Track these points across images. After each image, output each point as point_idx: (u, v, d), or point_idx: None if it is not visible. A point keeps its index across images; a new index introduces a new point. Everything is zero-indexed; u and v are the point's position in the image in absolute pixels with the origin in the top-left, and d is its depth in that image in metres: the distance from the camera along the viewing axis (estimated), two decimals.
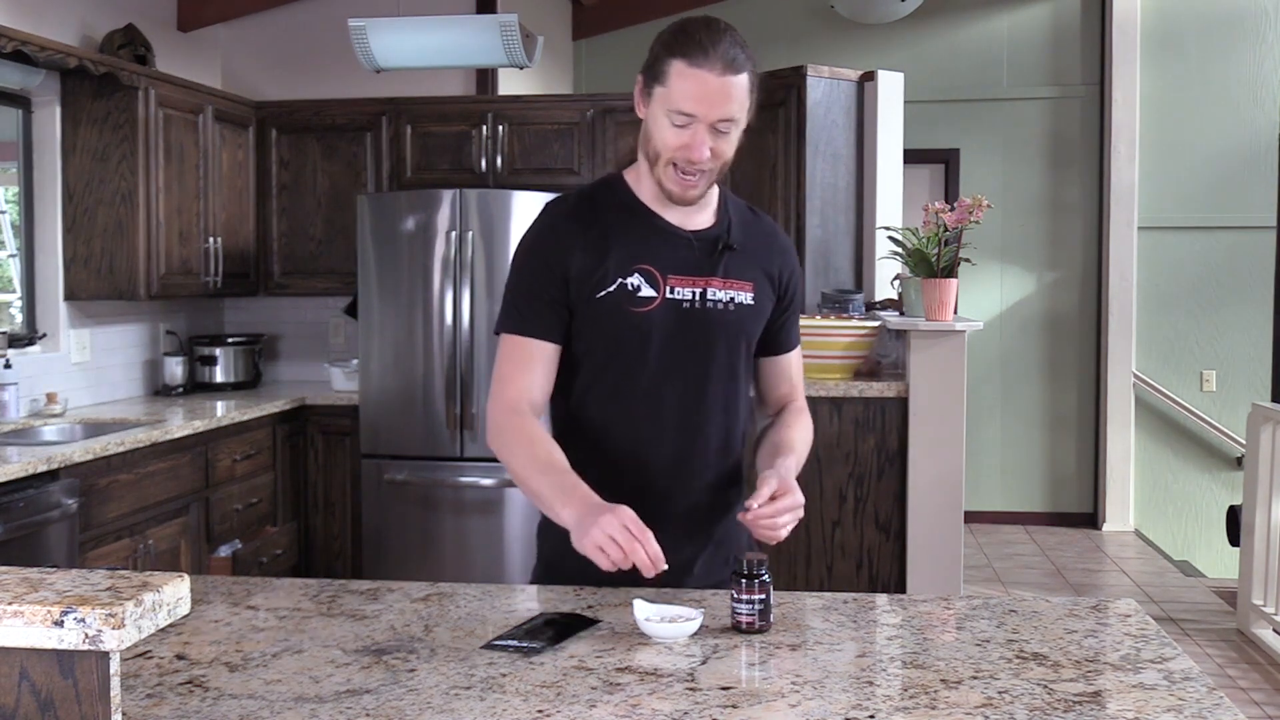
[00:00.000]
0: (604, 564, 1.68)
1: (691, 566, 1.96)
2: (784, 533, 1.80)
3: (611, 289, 1.91)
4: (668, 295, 1.92)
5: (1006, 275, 7.30)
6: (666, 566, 1.68)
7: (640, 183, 1.96)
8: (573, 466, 1.87)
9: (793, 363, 2.10)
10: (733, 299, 1.95)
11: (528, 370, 1.93)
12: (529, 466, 1.86)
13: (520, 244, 1.99)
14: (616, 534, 1.67)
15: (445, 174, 5.42)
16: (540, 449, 1.87)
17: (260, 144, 5.51)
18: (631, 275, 1.91)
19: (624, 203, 1.97)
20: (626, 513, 1.70)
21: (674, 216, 1.96)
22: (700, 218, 1.97)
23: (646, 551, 1.66)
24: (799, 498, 1.81)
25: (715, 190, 2.01)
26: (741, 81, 1.82)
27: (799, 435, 2.03)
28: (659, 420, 1.94)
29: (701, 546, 1.98)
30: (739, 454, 2.03)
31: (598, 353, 1.94)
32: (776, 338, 2.06)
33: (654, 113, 1.86)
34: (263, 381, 5.69)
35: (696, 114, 1.81)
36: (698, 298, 1.93)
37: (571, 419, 1.99)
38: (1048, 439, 7.34)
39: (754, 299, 1.97)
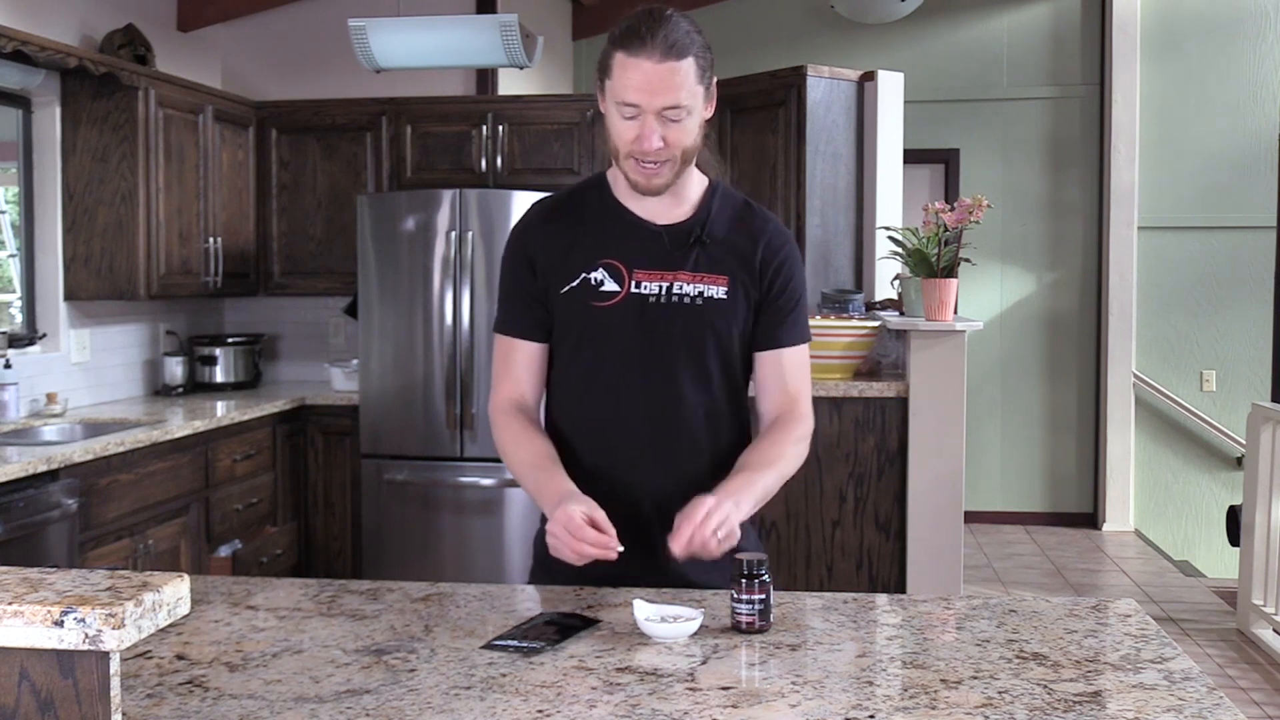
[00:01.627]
0: (568, 557, 1.74)
1: (670, 562, 1.91)
2: (715, 545, 1.72)
3: (575, 284, 1.92)
4: (632, 290, 1.91)
5: (1006, 275, 7.30)
6: (621, 548, 1.72)
7: (618, 183, 1.97)
8: (561, 458, 1.94)
9: (785, 362, 1.97)
10: (702, 293, 1.91)
11: (513, 369, 1.99)
12: (518, 468, 1.94)
13: (505, 247, 2.03)
14: (559, 536, 1.74)
15: (445, 174, 5.42)
16: (525, 450, 1.92)
17: (260, 144, 5.51)
18: (596, 270, 1.92)
19: (600, 199, 1.98)
20: (563, 513, 1.74)
21: (646, 211, 1.95)
22: (675, 211, 1.95)
23: (590, 542, 1.71)
24: (695, 515, 1.72)
25: (699, 183, 1.98)
26: (684, 66, 1.80)
27: (765, 454, 1.90)
28: (626, 415, 1.93)
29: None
30: (721, 451, 1.95)
31: (566, 347, 1.96)
32: (765, 332, 1.96)
33: (607, 108, 1.88)
34: (263, 381, 5.69)
35: (640, 103, 1.81)
36: (664, 292, 1.91)
37: (553, 412, 2.02)
38: (1048, 439, 7.34)
39: (727, 293, 1.92)
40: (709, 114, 1.91)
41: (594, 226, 1.96)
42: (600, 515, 1.75)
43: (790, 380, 1.98)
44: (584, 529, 1.72)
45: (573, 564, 1.74)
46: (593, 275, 1.92)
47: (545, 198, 2.05)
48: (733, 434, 1.99)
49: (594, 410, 1.95)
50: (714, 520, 1.72)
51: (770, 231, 1.99)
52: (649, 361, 1.92)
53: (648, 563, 1.88)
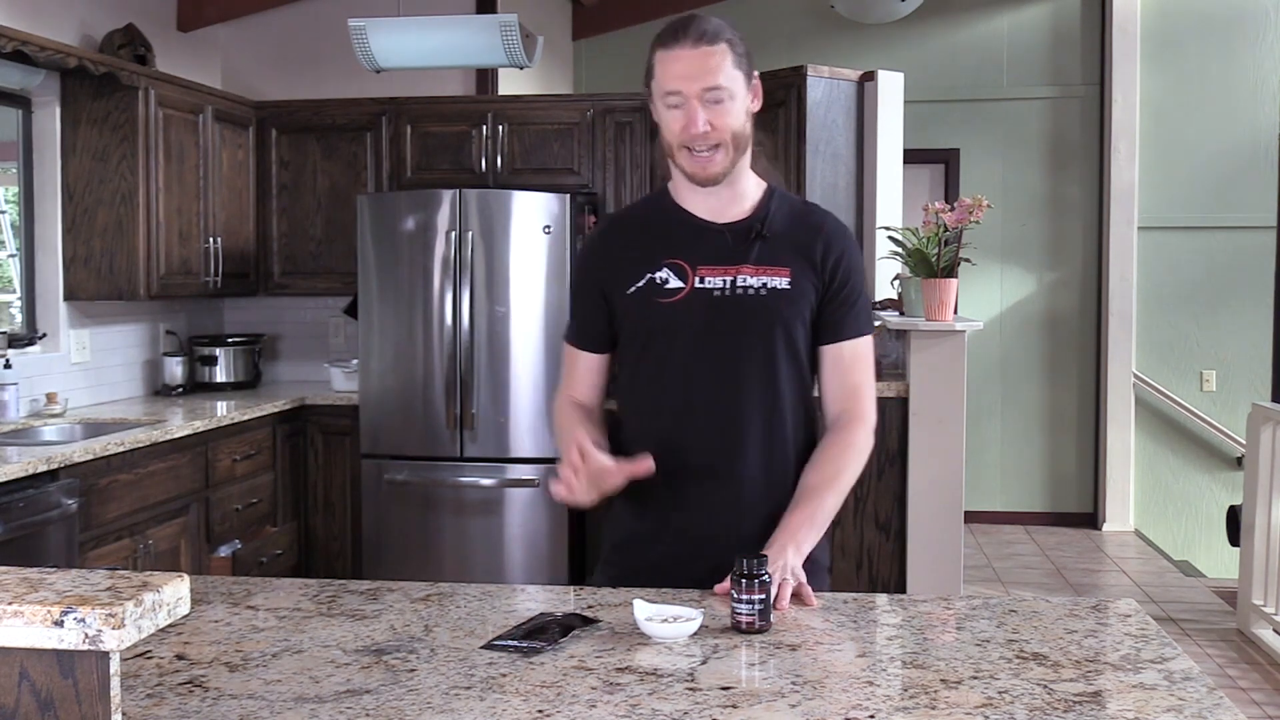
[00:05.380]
0: (561, 495, 1.86)
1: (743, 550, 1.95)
2: (784, 603, 1.76)
3: (641, 284, 1.98)
4: (697, 285, 1.95)
5: (1006, 275, 7.30)
6: (572, 476, 1.83)
7: (677, 186, 2.03)
8: (626, 453, 2.01)
9: (845, 354, 2.00)
10: (765, 284, 1.95)
11: (574, 375, 2.09)
12: (558, 434, 2.05)
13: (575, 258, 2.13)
14: (563, 460, 1.86)
15: (445, 174, 5.42)
16: (568, 419, 2.03)
17: (260, 144, 5.51)
18: (660, 270, 1.97)
19: (662, 207, 2.04)
20: (570, 452, 1.85)
21: (707, 211, 2.00)
22: (735, 209, 2.00)
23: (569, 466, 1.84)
24: (775, 579, 1.77)
25: (757, 186, 2.03)
26: (719, 50, 1.87)
27: (829, 472, 1.95)
28: (693, 410, 1.98)
29: (748, 534, 1.93)
30: (788, 443, 1.99)
31: (634, 346, 2.02)
32: (826, 326, 2.00)
33: (656, 109, 1.94)
34: (263, 381, 5.69)
35: (681, 89, 1.88)
36: (729, 286, 1.95)
37: (624, 410, 2.08)
38: (1048, 439, 7.34)
39: (790, 283, 1.96)
40: (755, 106, 1.96)
41: (658, 232, 2.02)
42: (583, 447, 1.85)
43: (851, 374, 2.02)
44: (569, 459, 1.84)
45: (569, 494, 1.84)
46: (657, 275, 1.97)
47: (611, 213, 2.13)
48: (797, 431, 2.01)
49: (660, 406, 2.00)
50: (784, 590, 1.78)
51: (829, 227, 2.03)
52: (714, 356, 1.96)
53: (709, 557, 1.89)
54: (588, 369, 2.08)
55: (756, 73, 1.96)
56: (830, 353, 2.01)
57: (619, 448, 2.05)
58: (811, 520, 1.91)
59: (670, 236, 1.99)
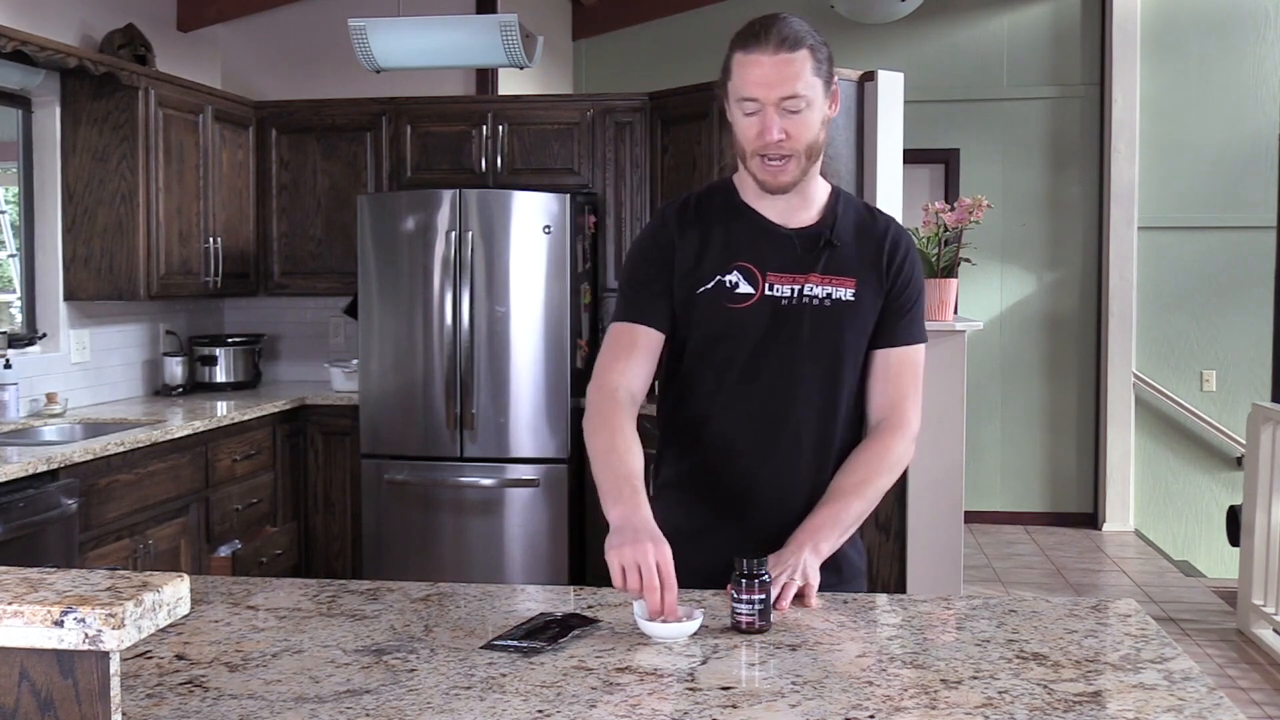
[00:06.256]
0: (617, 581, 1.67)
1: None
2: (785, 603, 1.75)
3: (710, 286, 1.96)
4: (766, 292, 1.94)
5: (1006, 275, 7.30)
6: (677, 619, 1.67)
7: (745, 184, 2.00)
8: (674, 455, 2.01)
9: (893, 360, 2.01)
10: (830, 295, 1.94)
11: (627, 356, 1.97)
12: (601, 454, 1.89)
13: (633, 243, 2.07)
14: (645, 567, 1.66)
15: (445, 174, 5.42)
16: (618, 439, 1.89)
17: (260, 144, 5.51)
18: (730, 273, 1.95)
19: (730, 203, 2.01)
20: (666, 552, 1.68)
21: (776, 215, 1.98)
22: (803, 215, 1.98)
23: (663, 599, 1.64)
24: (781, 579, 1.77)
25: (824, 189, 2.01)
26: (799, 57, 1.84)
27: (860, 477, 1.94)
28: (751, 415, 1.97)
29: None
30: (836, 458, 1.99)
31: (698, 347, 1.99)
32: (881, 330, 2.00)
33: (731, 110, 1.92)
34: (263, 381, 5.69)
35: (759, 97, 1.85)
36: (795, 294, 1.94)
37: (676, 410, 2.05)
38: (1048, 439, 7.34)
39: (855, 295, 1.95)
40: (832, 112, 1.93)
41: (726, 229, 1.99)
42: (669, 566, 1.69)
43: (898, 381, 2.02)
44: (673, 583, 1.67)
45: (615, 584, 1.70)
46: (727, 278, 1.95)
47: (671, 202, 2.07)
48: (852, 444, 2.01)
49: (723, 408, 1.98)
50: (788, 591, 1.76)
51: (893, 232, 2.03)
52: (778, 362, 1.95)
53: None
54: (646, 348, 1.97)
55: (835, 76, 1.92)
56: (879, 358, 2.01)
57: (661, 446, 2.06)
58: (835, 522, 1.89)
59: (740, 237, 1.97)
